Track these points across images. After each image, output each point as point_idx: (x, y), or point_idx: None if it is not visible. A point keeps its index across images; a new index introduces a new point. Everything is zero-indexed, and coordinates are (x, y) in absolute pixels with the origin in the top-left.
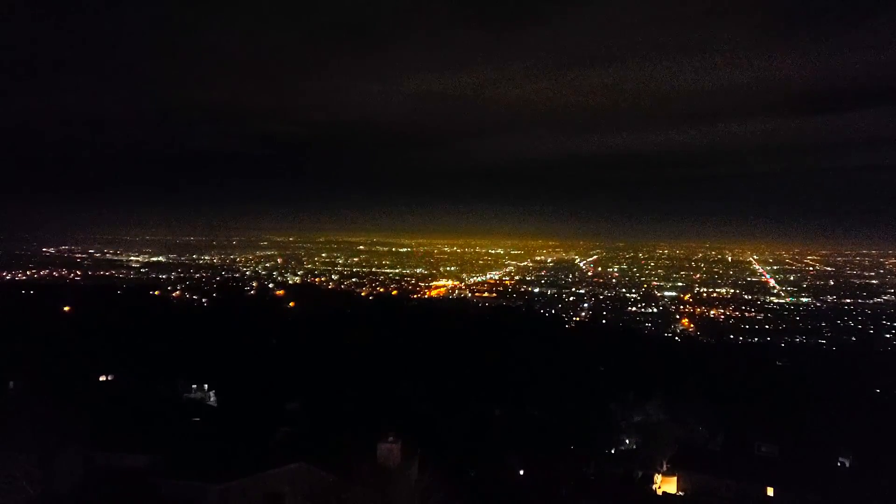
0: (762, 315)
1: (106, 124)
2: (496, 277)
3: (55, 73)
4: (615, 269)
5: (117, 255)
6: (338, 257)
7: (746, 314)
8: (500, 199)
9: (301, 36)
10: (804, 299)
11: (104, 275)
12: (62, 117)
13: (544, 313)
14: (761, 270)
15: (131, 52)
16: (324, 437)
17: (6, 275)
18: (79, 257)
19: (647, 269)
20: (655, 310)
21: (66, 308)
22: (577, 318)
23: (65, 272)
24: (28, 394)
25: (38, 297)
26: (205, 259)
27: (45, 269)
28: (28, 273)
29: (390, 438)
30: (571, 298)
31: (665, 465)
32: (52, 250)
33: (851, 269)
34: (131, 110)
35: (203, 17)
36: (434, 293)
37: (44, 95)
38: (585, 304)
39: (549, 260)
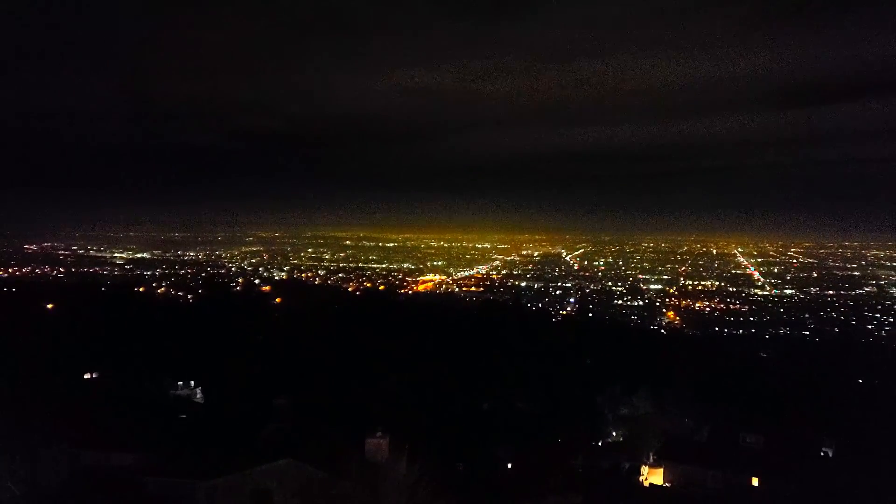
0: (747, 307)
1: (86, 119)
2: (483, 272)
3: (34, 68)
4: (601, 263)
5: (101, 251)
6: (324, 253)
7: (731, 306)
8: (486, 194)
9: (284, 29)
10: (788, 291)
11: (88, 272)
12: (41, 112)
13: (531, 307)
14: (746, 263)
15: (111, 45)
16: (312, 433)
17: None
18: (62, 254)
19: (633, 263)
20: (641, 303)
21: (50, 305)
22: (564, 312)
23: (47, 269)
24: (11, 392)
25: (20, 294)
26: (189, 255)
27: (27, 267)
28: (10, 270)
29: (378, 433)
30: (558, 292)
31: (652, 457)
32: (34, 247)
33: (834, 261)
34: (112, 105)
35: (183, 11)
36: (421, 288)
37: (23, 90)
38: (572, 298)
39: (535, 254)
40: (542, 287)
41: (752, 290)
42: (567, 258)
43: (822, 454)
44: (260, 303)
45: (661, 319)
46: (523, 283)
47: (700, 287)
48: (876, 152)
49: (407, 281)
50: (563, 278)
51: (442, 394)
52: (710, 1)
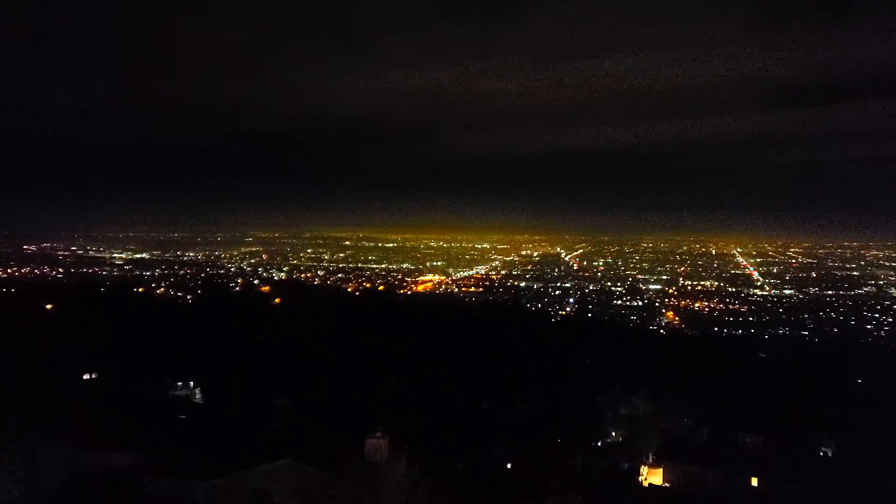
0: (746, 307)
1: (86, 119)
2: (483, 272)
3: (34, 67)
4: (600, 263)
5: (100, 252)
6: (323, 253)
7: (731, 307)
8: (485, 194)
9: (282, 30)
10: (787, 291)
11: (87, 272)
12: (41, 112)
13: (531, 307)
14: (745, 263)
15: (111, 46)
16: (311, 434)
17: None
18: (61, 254)
19: (632, 263)
20: (641, 303)
21: (49, 306)
22: (564, 312)
23: (47, 269)
24: (11, 393)
25: (19, 294)
26: (189, 255)
27: (26, 267)
28: (9, 271)
29: (378, 433)
30: (557, 292)
31: (651, 457)
32: (33, 247)
33: (833, 261)
34: (111, 105)
35: (183, 11)
36: (420, 288)
37: (22, 89)
38: (571, 299)
39: (535, 254)
40: (541, 287)
41: (752, 291)
42: (566, 258)
43: (821, 454)
44: (259, 303)
45: (660, 320)
46: (523, 284)
47: (699, 287)
48: (875, 153)
49: (406, 281)
50: (563, 278)
51: (442, 394)
52: (711, 1)
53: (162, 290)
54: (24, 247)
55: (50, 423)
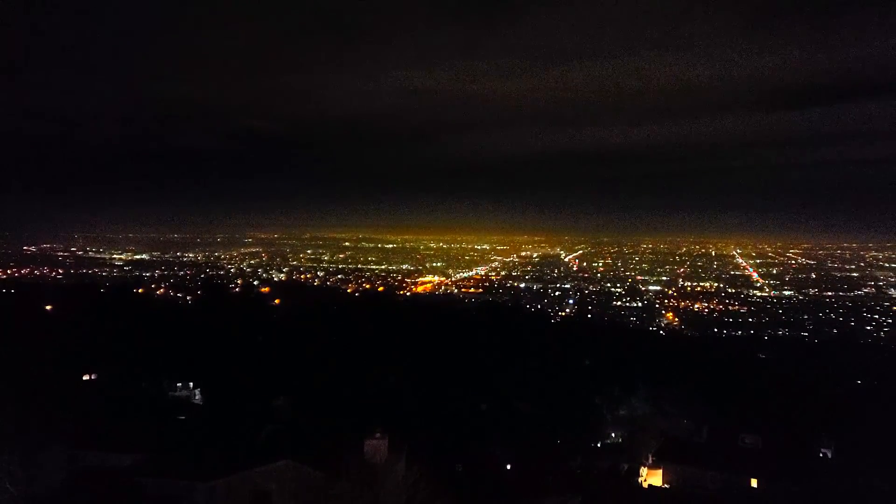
0: (745, 308)
1: (86, 121)
2: (482, 273)
3: (35, 69)
4: (600, 264)
5: (100, 253)
6: (323, 254)
7: (730, 307)
8: (485, 195)
9: (283, 32)
10: (787, 292)
11: (87, 273)
12: (41, 114)
13: (530, 308)
14: (744, 264)
15: (110, 48)
16: (311, 434)
17: None
18: (61, 255)
19: (632, 264)
20: (640, 304)
21: (49, 307)
22: (563, 313)
23: (46, 270)
24: (10, 393)
25: (19, 295)
26: (189, 257)
27: (26, 268)
28: (9, 271)
29: (377, 434)
30: (557, 293)
31: (650, 458)
32: (33, 248)
33: (832, 263)
34: (111, 107)
35: (183, 14)
36: (420, 289)
37: (23, 91)
38: (571, 300)
39: (534, 255)
40: (541, 288)
41: (751, 292)
42: (566, 259)
43: (820, 455)
44: (259, 304)
45: (659, 321)
46: (522, 285)
47: (699, 288)
48: (874, 153)
49: (406, 282)
50: (562, 279)
51: (442, 394)
52: (711, 2)
53: (162, 290)
54: (25, 248)
55: (50, 424)
